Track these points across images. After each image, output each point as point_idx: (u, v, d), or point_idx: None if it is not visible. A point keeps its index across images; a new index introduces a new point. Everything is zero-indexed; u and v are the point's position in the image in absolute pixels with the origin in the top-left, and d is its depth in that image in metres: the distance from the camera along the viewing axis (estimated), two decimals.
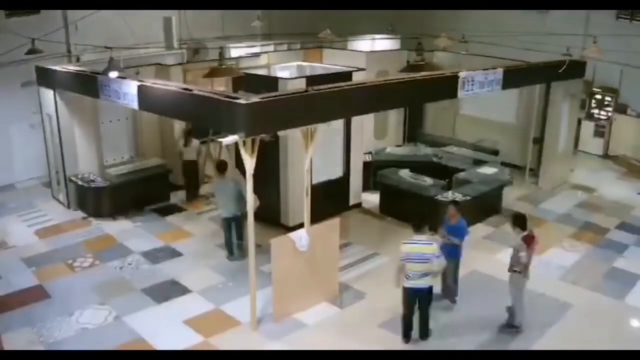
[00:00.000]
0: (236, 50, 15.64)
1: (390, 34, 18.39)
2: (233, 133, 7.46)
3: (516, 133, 14.98)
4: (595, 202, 13.45)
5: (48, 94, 12.23)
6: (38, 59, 12.08)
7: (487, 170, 13.02)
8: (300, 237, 8.46)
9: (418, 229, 7.76)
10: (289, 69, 13.00)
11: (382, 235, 11.50)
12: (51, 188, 13.45)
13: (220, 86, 11.65)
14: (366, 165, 13.13)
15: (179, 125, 13.10)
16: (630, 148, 16.36)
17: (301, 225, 9.17)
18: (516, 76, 11.84)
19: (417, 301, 7.90)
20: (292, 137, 10.28)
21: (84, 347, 7.93)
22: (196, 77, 12.49)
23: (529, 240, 7.91)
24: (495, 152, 14.50)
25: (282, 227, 10.88)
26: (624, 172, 15.59)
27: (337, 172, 12.19)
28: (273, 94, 8.46)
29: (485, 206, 12.22)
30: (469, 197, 11.48)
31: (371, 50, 16.66)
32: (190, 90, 8.57)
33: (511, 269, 8.12)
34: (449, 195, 11.48)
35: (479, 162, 13.62)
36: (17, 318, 8.55)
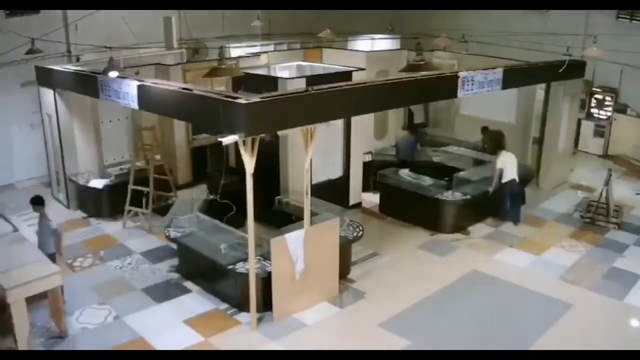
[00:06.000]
0: (236, 50, 15.61)
1: (390, 34, 18.38)
2: (233, 133, 7.46)
3: (516, 133, 14.96)
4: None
5: (48, 94, 12.23)
6: (38, 59, 12.06)
7: (487, 170, 12.98)
8: (296, 259, 8.45)
9: None
10: (288, 69, 12.98)
11: (382, 235, 11.49)
12: (51, 188, 13.44)
13: (220, 86, 11.62)
14: (366, 165, 13.12)
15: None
16: (630, 148, 16.35)
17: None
18: (516, 76, 11.83)
19: None
20: (292, 136, 10.26)
21: (84, 347, 7.93)
22: (196, 77, 12.46)
23: None
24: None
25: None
26: (623, 172, 15.58)
27: (337, 172, 12.19)
28: (273, 93, 8.46)
29: (485, 206, 12.21)
30: (468, 197, 11.48)
31: (371, 50, 16.65)
32: (190, 90, 8.57)
33: None
34: (449, 195, 11.48)
35: (479, 162, 13.61)
36: None
